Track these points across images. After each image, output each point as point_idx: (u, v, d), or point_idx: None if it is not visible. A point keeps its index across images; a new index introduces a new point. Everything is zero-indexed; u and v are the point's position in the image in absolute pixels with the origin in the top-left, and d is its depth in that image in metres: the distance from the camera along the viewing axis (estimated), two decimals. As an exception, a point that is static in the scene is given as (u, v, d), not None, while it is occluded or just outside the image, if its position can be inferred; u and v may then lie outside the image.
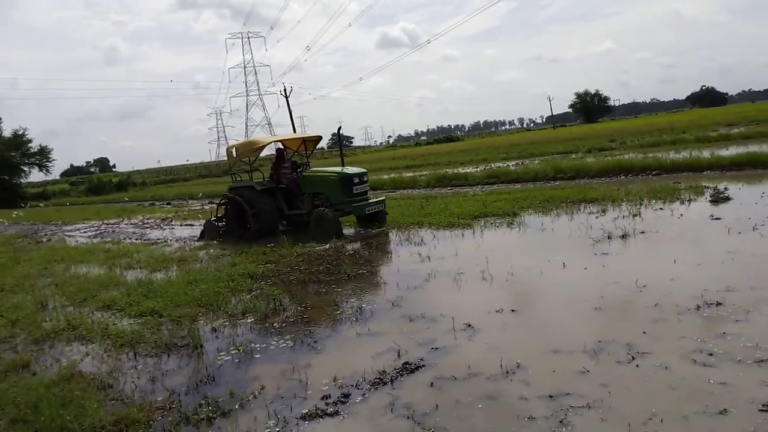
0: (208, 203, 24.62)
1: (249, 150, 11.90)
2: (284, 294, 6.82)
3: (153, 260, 10.16)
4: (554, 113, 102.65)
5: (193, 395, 4.27)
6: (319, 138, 12.97)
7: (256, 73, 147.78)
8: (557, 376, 3.86)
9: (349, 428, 3.54)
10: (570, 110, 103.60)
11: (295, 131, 47.04)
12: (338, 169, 11.32)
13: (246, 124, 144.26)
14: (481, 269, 6.84)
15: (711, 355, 3.87)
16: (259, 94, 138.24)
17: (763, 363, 3.65)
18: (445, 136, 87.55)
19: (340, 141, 12.80)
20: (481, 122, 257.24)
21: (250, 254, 9.50)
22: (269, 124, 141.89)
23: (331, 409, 3.76)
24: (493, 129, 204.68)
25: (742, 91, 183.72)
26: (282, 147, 12.23)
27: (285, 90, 44.71)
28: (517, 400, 3.62)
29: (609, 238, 7.69)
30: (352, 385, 4.09)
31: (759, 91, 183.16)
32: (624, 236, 7.71)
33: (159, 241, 13.53)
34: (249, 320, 5.97)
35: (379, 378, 4.15)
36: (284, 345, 5.16)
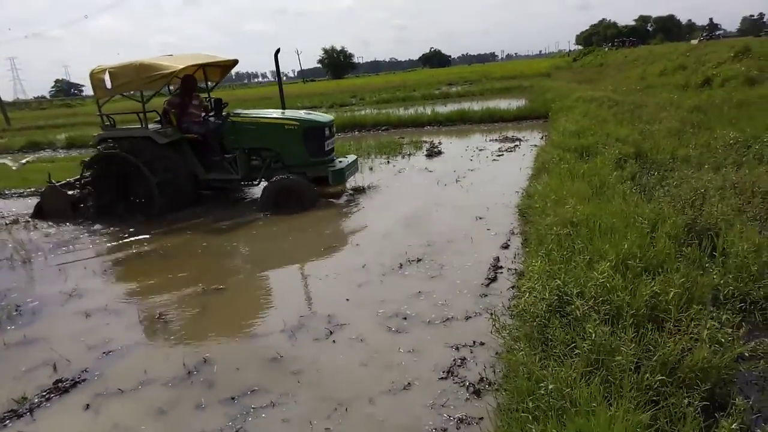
0: None
1: (140, 78, 7.09)
2: None
3: None
4: (305, 68, 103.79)
5: None
6: (234, 62, 8.55)
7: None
8: (246, 369, 3.33)
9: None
10: (319, 65, 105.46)
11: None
12: (296, 113, 7.75)
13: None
14: (203, 243, 6.02)
15: (405, 319, 3.78)
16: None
17: (449, 321, 3.66)
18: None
19: (278, 70, 7.90)
20: (233, 74, 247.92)
21: None
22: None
23: None
24: (246, 81, 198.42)
25: (462, 54, 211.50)
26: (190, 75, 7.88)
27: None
28: (193, 410, 2.98)
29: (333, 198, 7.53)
30: (-31, 429, 2.97)
31: (473, 55, 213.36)
32: (345, 194, 7.62)
33: None
34: None
35: (14, 410, 3.10)
36: None
